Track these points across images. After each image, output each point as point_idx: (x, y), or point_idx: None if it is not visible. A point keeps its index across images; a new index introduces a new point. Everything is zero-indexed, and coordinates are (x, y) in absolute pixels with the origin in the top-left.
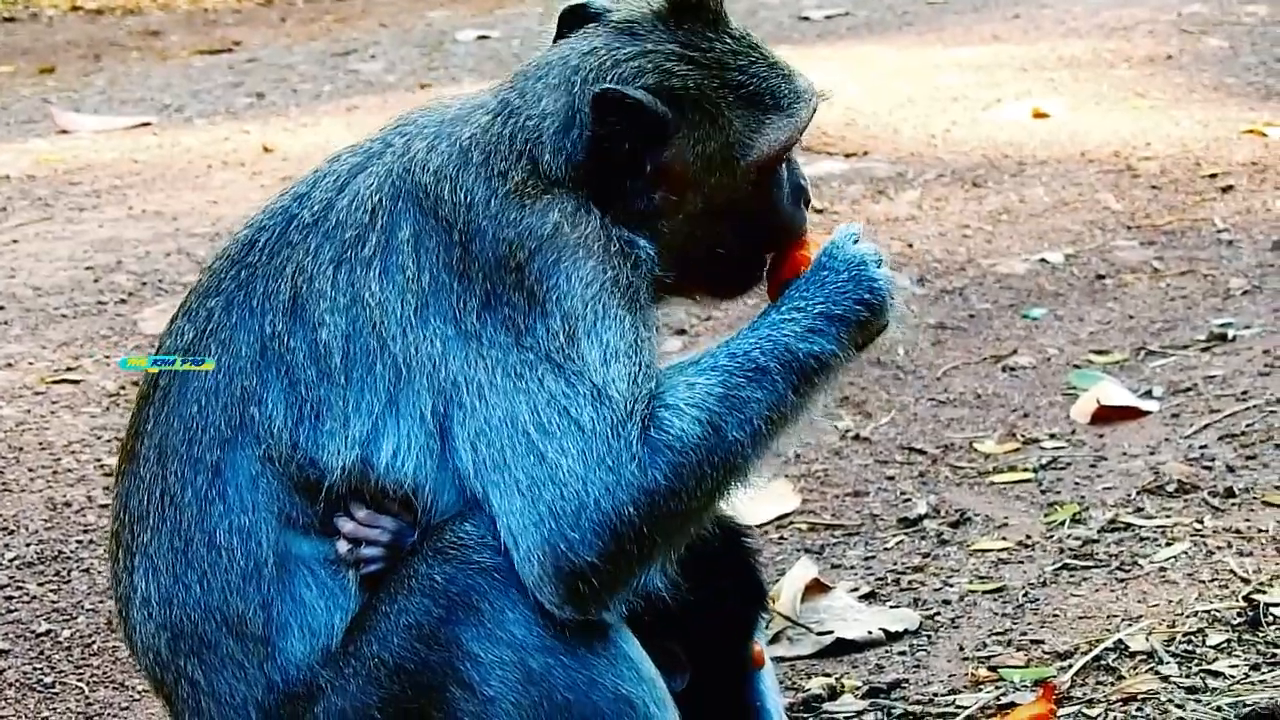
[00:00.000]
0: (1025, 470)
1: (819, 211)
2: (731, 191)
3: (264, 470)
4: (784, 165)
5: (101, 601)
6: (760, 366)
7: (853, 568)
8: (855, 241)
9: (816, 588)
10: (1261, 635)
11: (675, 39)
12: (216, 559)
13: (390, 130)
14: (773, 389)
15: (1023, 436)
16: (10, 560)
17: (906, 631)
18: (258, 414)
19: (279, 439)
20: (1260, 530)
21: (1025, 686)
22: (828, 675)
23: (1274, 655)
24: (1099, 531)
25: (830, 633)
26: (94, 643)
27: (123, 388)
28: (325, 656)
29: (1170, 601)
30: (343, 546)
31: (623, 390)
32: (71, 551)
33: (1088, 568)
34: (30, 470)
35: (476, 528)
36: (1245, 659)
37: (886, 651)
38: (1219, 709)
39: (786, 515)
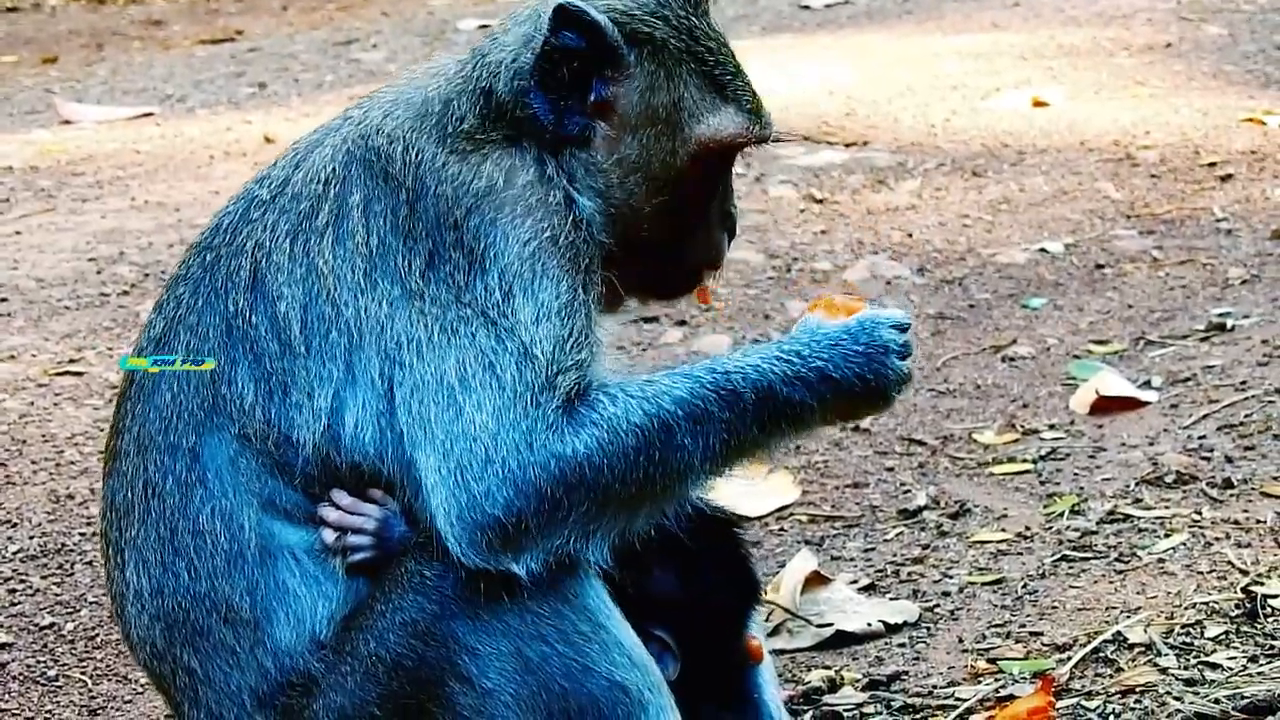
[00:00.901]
0: (1025, 461)
1: (819, 201)
2: (667, 157)
3: (242, 450)
4: (724, 175)
5: (105, 594)
6: (736, 391)
7: (852, 559)
8: (894, 328)
9: (816, 580)
10: (1259, 627)
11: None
12: (201, 544)
13: (351, 107)
14: (740, 417)
15: (1022, 427)
16: (13, 553)
17: (906, 623)
18: (229, 393)
19: (251, 416)
20: (1258, 521)
21: (1024, 678)
22: (827, 668)
23: (1272, 647)
24: (1098, 523)
25: (830, 625)
26: (97, 636)
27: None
28: (315, 646)
29: (1169, 593)
30: (329, 535)
31: (548, 351)
32: (74, 544)
33: (1086, 559)
34: (33, 463)
35: None
36: (1243, 651)
37: (886, 644)
38: (1217, 701)
39: (786, 507)
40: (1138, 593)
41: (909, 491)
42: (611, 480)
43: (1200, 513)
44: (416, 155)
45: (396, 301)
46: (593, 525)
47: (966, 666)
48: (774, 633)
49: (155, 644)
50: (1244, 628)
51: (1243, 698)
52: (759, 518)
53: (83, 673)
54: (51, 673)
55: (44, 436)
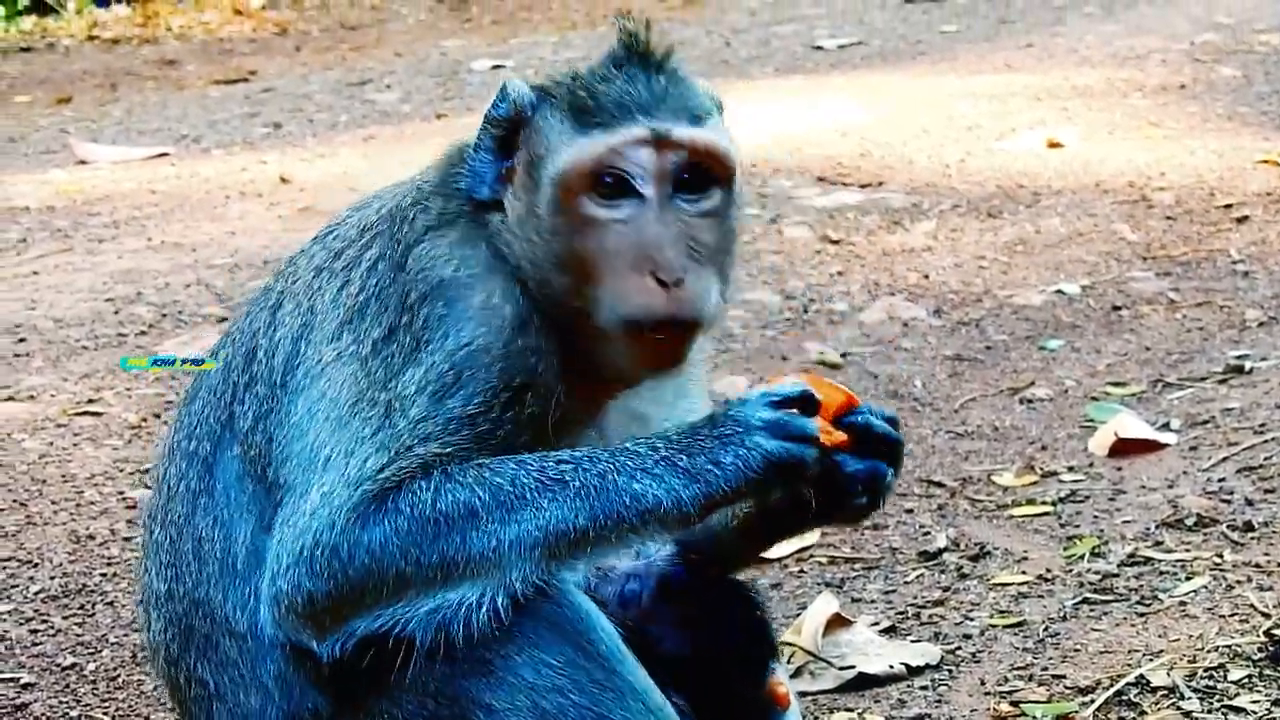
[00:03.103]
0: (1044, 503)
1: (835, 242)
2: (542, 207)
3: (247, 469)
4: (627, 215)
5: (126, 634)
6: (562, 480)
7: (873, 601)
8: (771, 404)
9: (838, 622)
10: None
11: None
12: (199, 550)
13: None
14: (562, 508)
15: (1041, 469)
16: (35, 593)
17: (928, 666)
18: (239, 411)
19: (251, 436)
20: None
21: None
22: (850, 710)
23: None
24: (1119, 565)
25: (852, 667)
26: (119, 676)
27: (144, 420)
28: (318, 678)
29: (1191, 636)
30: None
31: (413, 449)
32: (95, 585)
33: (1108, 602)
34: (53, 503)
35: None
36: (1267, 694)
37: (908, 686)
38: None
39: (806, 548)
40: (1160, 635)
41: (929, 533)
42: (405, 566)
43: (1221, 555)
44: (412, 222)
45: (347, 359)
46: (400, 609)
47: (989, 709)
48: (796, 675)
49: (169, 649)
50: (1267, 671)
51: None
52: (779, 559)
53: (105, 713)
54: (74, 713)
55: (64, 477)
